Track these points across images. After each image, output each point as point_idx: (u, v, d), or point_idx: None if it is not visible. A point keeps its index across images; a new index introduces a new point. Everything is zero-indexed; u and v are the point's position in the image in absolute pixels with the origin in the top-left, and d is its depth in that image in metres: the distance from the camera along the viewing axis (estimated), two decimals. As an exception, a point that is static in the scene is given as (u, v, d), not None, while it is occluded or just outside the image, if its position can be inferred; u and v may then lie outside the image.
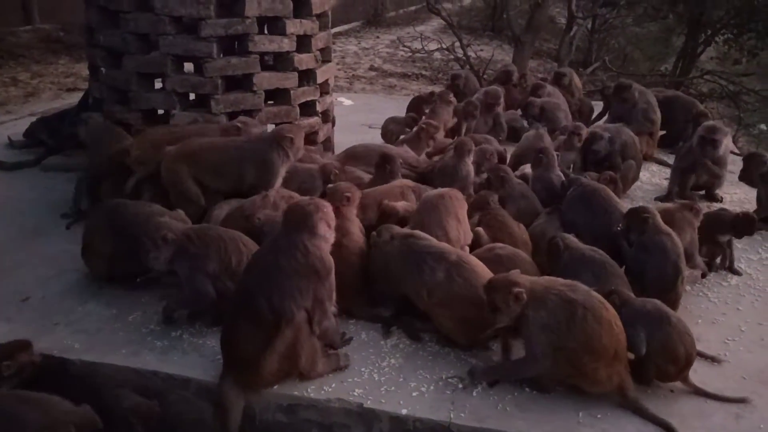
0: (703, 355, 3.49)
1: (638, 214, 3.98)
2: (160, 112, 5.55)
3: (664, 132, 6.87)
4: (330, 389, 3.21)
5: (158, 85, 5.47)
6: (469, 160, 5.05)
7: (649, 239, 3.89)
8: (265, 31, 5.47)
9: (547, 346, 3.11)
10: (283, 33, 5.42)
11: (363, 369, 3.36)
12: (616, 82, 7.05)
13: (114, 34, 5.34)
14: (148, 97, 5.37)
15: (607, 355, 3.09)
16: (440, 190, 4.20)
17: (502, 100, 6.95)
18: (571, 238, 3.89)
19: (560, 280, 3.28)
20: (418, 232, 3.74)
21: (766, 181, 5.21)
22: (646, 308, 3.32)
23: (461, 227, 4.01)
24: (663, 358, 3.21)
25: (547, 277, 3.37)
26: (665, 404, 3.17)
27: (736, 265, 4.53)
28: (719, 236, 4.45)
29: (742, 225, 4.44)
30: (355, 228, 3.91)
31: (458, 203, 4.08)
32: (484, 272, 3.51)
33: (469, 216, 4.22)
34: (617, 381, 3.14)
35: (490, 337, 3.49)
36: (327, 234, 3.27)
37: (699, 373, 3.34)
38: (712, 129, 5.58)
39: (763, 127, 13.68)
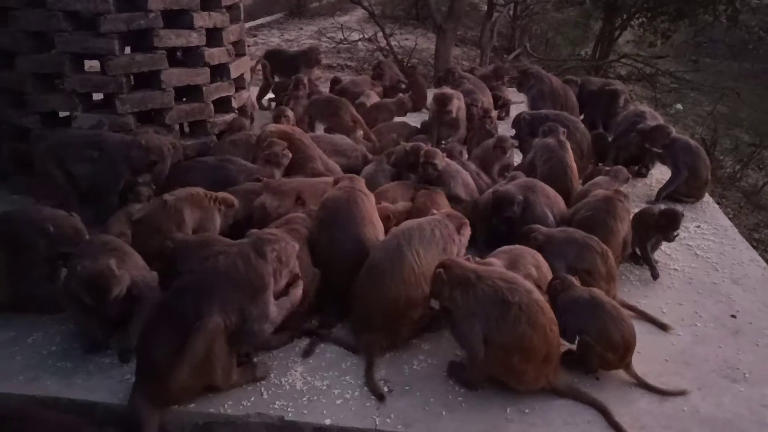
0: (654, 322, 3.75)
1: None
2: (62, 114, 5.20)
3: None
4: (249, 403, 3.03)
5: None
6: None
7: None
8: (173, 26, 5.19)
9: (476, 334, 3.01)
10: (190, 27, 5.15)
11: (284, 379, 3.20)
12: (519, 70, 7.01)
13: (3, 33, 4.95)
14: (46, 99, 5.01)
15: (538, 357, 3.03)
16: (345, 187, 3.91)
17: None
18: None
19: (504, 273, 3.18)
20: None
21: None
22: (583, 296, 3.29)
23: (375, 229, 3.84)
24: (600, 346, 3.19)
25: (492, 268, 3.24)
26: (591, 393, 3.15)
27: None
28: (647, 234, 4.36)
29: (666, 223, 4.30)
30: None
31: (364, 203, 3.85)
32: None
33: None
34: (544, 382, 3.10)
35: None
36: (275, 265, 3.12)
37: (623, 358, 3.34)
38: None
39: (679, 106, 14.13)
